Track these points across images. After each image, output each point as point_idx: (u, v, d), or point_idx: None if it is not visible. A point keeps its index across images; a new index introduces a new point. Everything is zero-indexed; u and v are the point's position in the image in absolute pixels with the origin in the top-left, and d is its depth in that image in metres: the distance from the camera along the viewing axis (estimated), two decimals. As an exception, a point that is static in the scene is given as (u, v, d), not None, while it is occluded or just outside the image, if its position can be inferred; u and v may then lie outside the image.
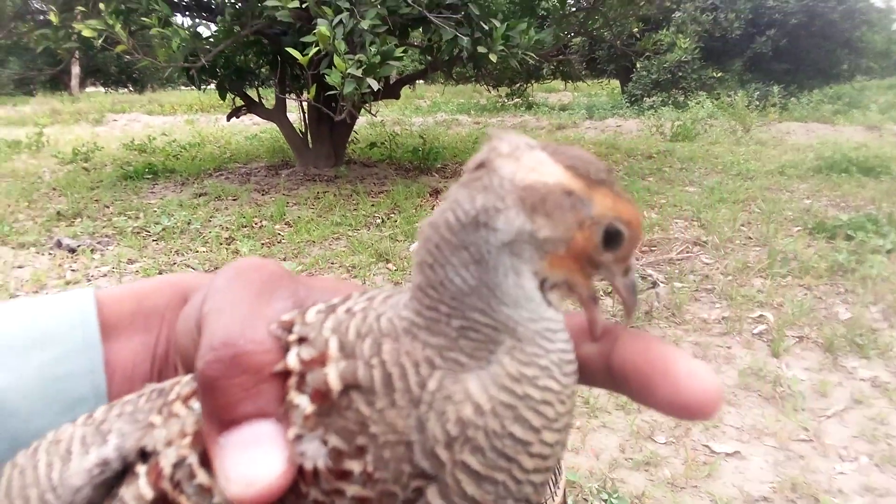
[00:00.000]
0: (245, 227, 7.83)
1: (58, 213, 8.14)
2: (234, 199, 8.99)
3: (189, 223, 7.91)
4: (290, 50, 6.78)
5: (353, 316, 0.46)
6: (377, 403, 0.42)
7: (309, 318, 0.47)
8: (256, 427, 0.43)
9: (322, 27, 6.58)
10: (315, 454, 0.42)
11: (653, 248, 6.86)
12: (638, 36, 13.36)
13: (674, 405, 0.44)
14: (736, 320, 5.21)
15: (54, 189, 9.52)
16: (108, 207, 8.52)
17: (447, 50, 8.27)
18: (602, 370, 0.48)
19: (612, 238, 0.47)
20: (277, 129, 11.23)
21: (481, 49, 7.81)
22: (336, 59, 6.63)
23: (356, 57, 6.72)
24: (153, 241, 7.41)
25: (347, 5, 6.94)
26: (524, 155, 0.47)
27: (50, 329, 0.59)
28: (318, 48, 6.66)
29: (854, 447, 3.69)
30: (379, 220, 8.00)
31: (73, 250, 6.91)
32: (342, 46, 6.70)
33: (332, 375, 0.43)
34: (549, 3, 9.27)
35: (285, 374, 0.44)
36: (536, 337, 0.44)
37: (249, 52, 9.87)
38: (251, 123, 15.38)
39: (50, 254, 6.92)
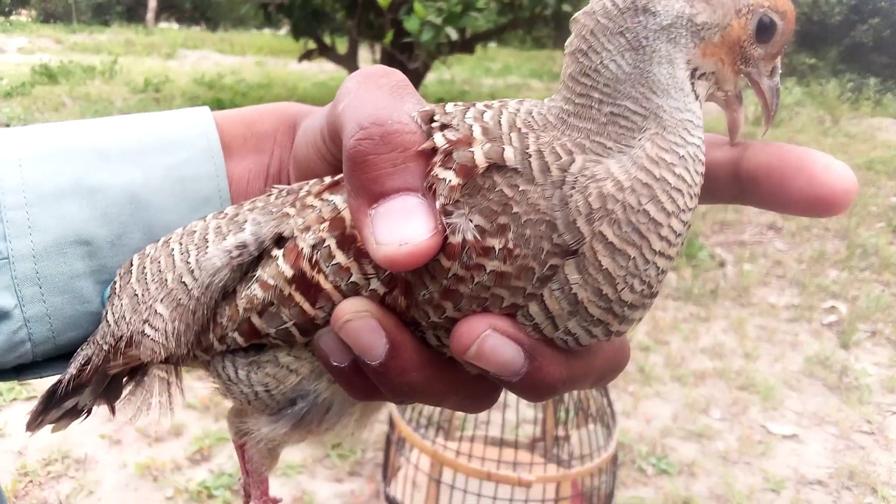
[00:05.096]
0: (308, 167, 7.85)
1: (130, 136, 8.30)
2: (299, 141, 9.04)
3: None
4: (371, -9, 6.66)
5: (493, 109, 0.48)
6: (521, 185, 0.44)
7: (448, 109, 0.49)
8: (405, 198, 0.45)
9: (405, -30, 6.44)
10: (464, 227, 0.44)
11: (724, 229, 6.59)
12: (729, 9, 12.77)
13: (808, 198, 0.45)
14: (806, 308, 4.98)
15: (125, 115, 9.73)
16: (177, 136, 8.66)
17: (530, 7, 8.00)
18: (730, 176, 0.50)
19: (765, 29, 0.50)
20: (346, 76, 11.16)
21: (566, 7, 7.52)
22: (416, 5, 6.48)
23: (437, 4, 6.56)
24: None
25: (433, -51, 6.76)
26: None
27: (177, 136, 0.64)
28: (399, -8, 6.54)
29: (920, 445, 3.49)
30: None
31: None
32: (424, -8, 6.55)
33: (479, 153, 0.45)
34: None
35: (429, 154, 0.46)
36: (678, 127, 0.46)
37: (328, -7, 9.78)
38: (319, 70, 15.39)
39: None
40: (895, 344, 4.57)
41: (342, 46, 10.73)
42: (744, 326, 4.62)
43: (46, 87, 11.41)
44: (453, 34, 6.60)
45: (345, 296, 0.49)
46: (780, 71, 0.54)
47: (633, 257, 0.44)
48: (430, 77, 12.06)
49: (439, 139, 0.46)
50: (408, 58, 8.13)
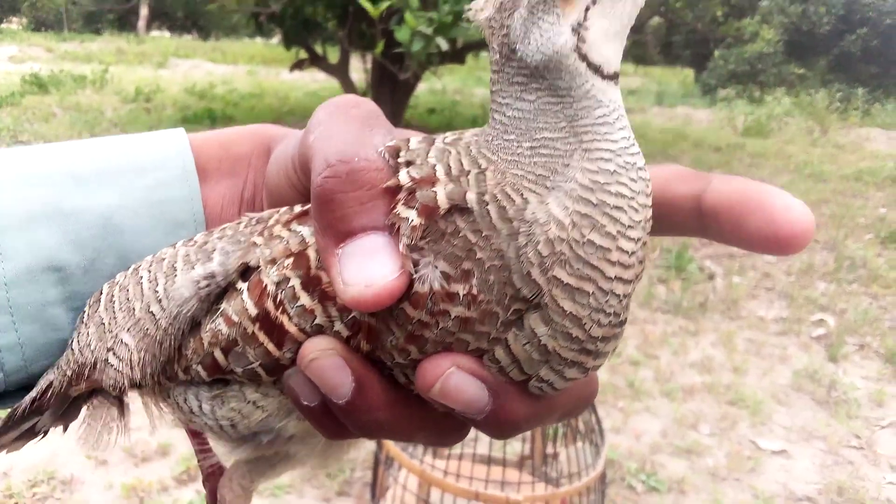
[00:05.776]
0: (299, 177, 7.84)
1: (119, 147, 8.27)
2: (290, 151, 9.03)
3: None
4: (363, 1, 6.65)
5: (453, 147, 0.48)
6: (483, 230, 0.44)
7: (412, 145, 0.49)
8: (371, 238, 0.45)
9: (397, -19, 6.45)
10: (430, 277, 0.44)
11: (713, 242, 6.62)
12: (720, 21, 12.81)
13: (766, 237, 0.45)
14: (795, 321, 5.00)
15: (115, 125, 9.71)
16: (167, 146, 8.64)
17: (520, 17, 8.00)
18: (691, 210, 0.50)
19: None
20: (337, 87, 11.21)
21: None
22: (407, 15, 6.49)
23: (428, 14, 6.58)
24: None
25: (424, -39, 6.78)
26: None
27: (152, 158, 0.64)
28: (390, 2, 6.54)
29: (907, 459, 3.50)
30: (433, 185, 7.91)
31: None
32: (415, 2, 6.56)
33: (441, 194, 0.45)
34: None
35: (395, 191, 0.46)
36: (598, 136, 0.46)
37: (319, 3, 9.81)
38: (311, 80, 15.42)
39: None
40: (883, 357, 4.60)
41: (333, 56, 10.75)
42: (733, 340, 4.64)
43: (37, 96, 11.38)
44: (444, 44, 6.60)
45: (310, 337, 0.49)
46: None
47: (592, 292, 0.44)
48: (422, 87, 12.12)
49: (404, 177, 0.47)
50: (399, 68, 8.14)
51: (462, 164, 0.47)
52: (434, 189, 0.45)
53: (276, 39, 11.10)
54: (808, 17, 17.87)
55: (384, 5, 6.51)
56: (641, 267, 0.47)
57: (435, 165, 0.47)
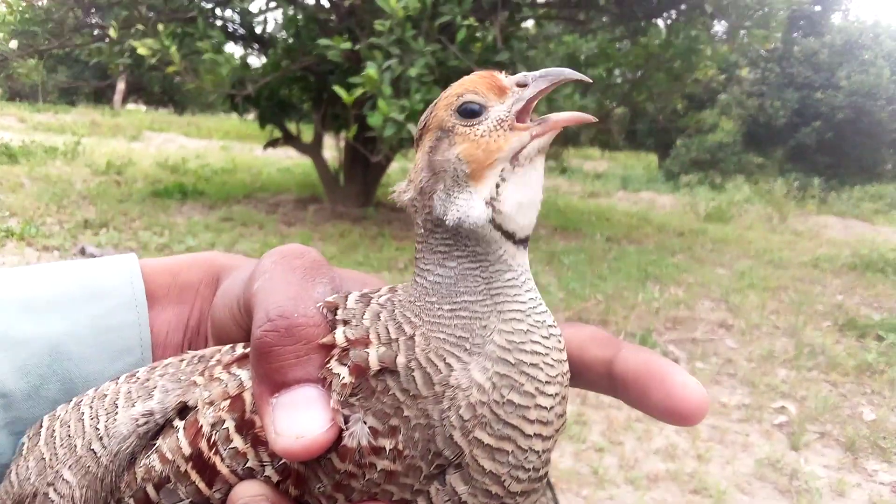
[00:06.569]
0: (268, 255, 7.82)
1: (85, 220, 8.23)
2: (259, 228, 9.04)
3: (213, 245, 7.93)
4: (337, 88, 6.86)
5: (386, 309, 0.51)
6: (411, 391, 0.47)
7: (350, 304, 0.52)
8: (304, 390, 0.48)
9: (371, 70, 6.67)
10: (359, 433, 0.47)
11: (677, 326, 6.71)
12: (681, 113, 13.45)
13: (666, 410, 0.50)
14: (756, 408, 5.03)
15: (84, 197, 9.66)
16: (134, 221, 8.59)
17: (489, 105, 8.28)
18: (604, 375, 0.54)
19: (469, 113, 0.54)
20: (310, 164, 11.37)
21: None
22: (380, 103, 6.69)
23: (400, 102, 6.79)
24: (175, 258, 7.43)
25: (398, 52, 7.04)
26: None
27: (103, 285, 0.66)
28: (364, 90, 6.74)
29: (870, 552, 3.48)
30: (402, 265, 7.95)
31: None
32: (388, 91, 6.77)
33: (373, 356, 0.48)
34: (595, 72, 9.38)
35: (330, 347, 0.50)
36: (509, 298, 0.50)
37: (294, 86, 10.07)
38: (284, 156, 15.61)
39: (73, 259, 6.95)
40: (843, 446, 4.63)
41: (307, 134, 10.93)
42: (696, 426, 4.64)
43: (6, 166, 11.33)
44: (415, 131, 6.76)
45: (241, 479, 0.51)
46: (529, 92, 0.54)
47: (511, 450, 0.47)
48: (394, 165, 12.33)
49: (340, 336, 0.50)
50: (371, 151, 8.31)
51: (392, 329, 0.50)
52: (367, 350, 0.48)
53: (251, 115, 11.29)
54: (765, 110, 18.88)
55: (357, 92, 6.70)
56: (561, 421, 0.50)
57: (369, 328, 0.50)
